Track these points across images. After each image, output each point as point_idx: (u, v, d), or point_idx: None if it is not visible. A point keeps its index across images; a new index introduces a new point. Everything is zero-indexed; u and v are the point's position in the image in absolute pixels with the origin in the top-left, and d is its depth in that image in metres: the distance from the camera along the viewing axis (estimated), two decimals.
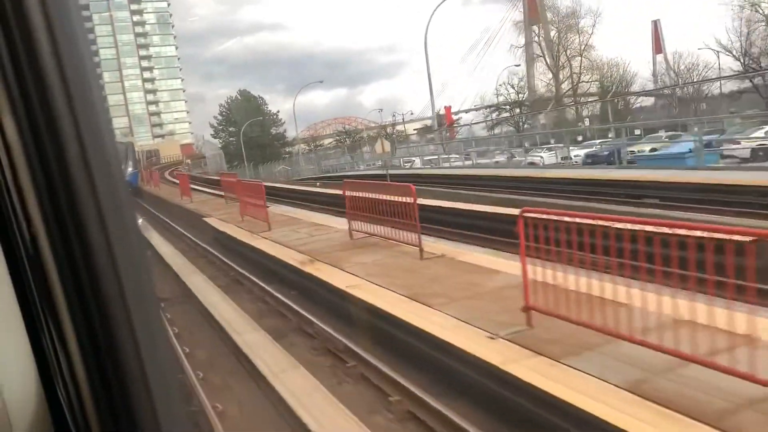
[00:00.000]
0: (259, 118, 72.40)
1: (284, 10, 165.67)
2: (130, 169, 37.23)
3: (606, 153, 24.58)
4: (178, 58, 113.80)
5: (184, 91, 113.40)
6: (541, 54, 62.17)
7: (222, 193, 20.23)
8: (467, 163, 32.23)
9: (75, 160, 0.61)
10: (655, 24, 59.92)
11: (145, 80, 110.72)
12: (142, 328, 0.66)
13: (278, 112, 78.94)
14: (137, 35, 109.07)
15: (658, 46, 58.65)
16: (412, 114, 69.27)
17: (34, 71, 0.59)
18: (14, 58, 0.59)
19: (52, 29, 0.59)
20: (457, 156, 34.72)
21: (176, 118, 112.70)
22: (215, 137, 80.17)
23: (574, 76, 57.02)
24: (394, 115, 70.19)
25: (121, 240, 0.64)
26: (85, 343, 0.65)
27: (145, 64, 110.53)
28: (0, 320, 0.75)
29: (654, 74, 56.27)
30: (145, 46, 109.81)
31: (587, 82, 57.18)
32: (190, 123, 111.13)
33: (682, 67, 51.07)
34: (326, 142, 74.36)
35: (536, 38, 62.32)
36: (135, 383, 0.65)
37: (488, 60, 66.86)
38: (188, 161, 72.46)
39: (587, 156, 26.04)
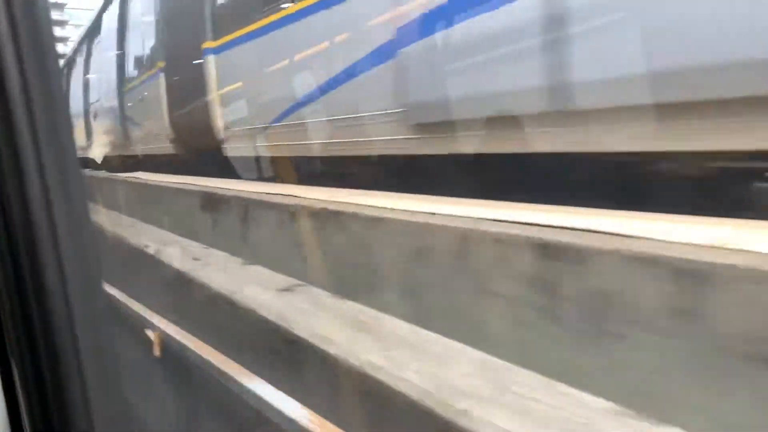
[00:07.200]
0: None
1: None
2: None
3: None
4: None
5: None
6: None
7: None
8: None
9: (23, 133, 0.57)
10: None
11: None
12: (84, 323, 0.61)
13: None
14: None
15: None
16: None
17: None
18: None
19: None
20: None
21: None
22: None
23: None
24: None
25: (69, 227, 0.60)
26: (21, 337, 0.61)
27: (56, 16, 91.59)
28: None
29: None
30: None
31: None
32: None
33: None
34: None
35: None
36: (71, 380, 0.61)
37: None
38: None
39: None
